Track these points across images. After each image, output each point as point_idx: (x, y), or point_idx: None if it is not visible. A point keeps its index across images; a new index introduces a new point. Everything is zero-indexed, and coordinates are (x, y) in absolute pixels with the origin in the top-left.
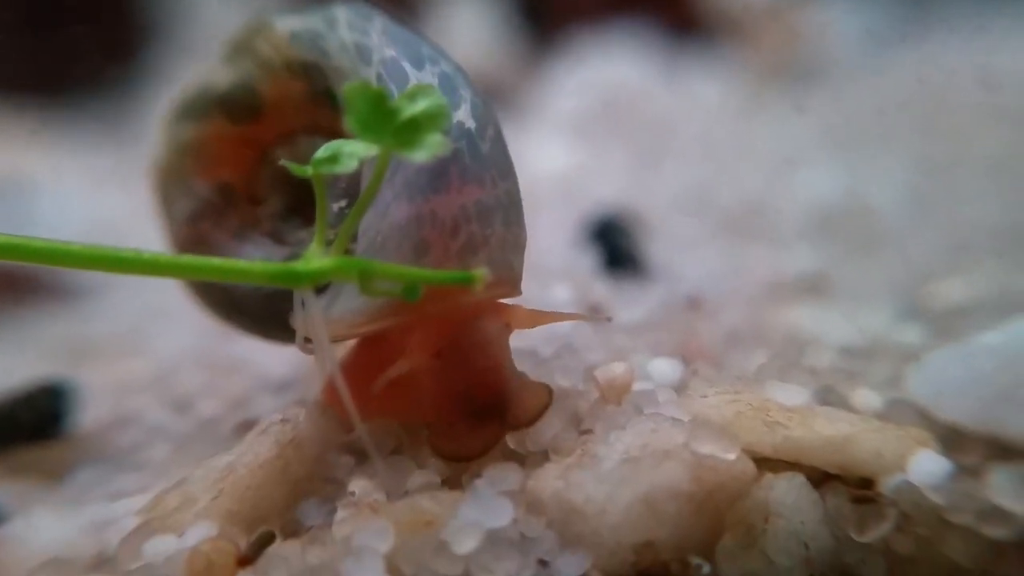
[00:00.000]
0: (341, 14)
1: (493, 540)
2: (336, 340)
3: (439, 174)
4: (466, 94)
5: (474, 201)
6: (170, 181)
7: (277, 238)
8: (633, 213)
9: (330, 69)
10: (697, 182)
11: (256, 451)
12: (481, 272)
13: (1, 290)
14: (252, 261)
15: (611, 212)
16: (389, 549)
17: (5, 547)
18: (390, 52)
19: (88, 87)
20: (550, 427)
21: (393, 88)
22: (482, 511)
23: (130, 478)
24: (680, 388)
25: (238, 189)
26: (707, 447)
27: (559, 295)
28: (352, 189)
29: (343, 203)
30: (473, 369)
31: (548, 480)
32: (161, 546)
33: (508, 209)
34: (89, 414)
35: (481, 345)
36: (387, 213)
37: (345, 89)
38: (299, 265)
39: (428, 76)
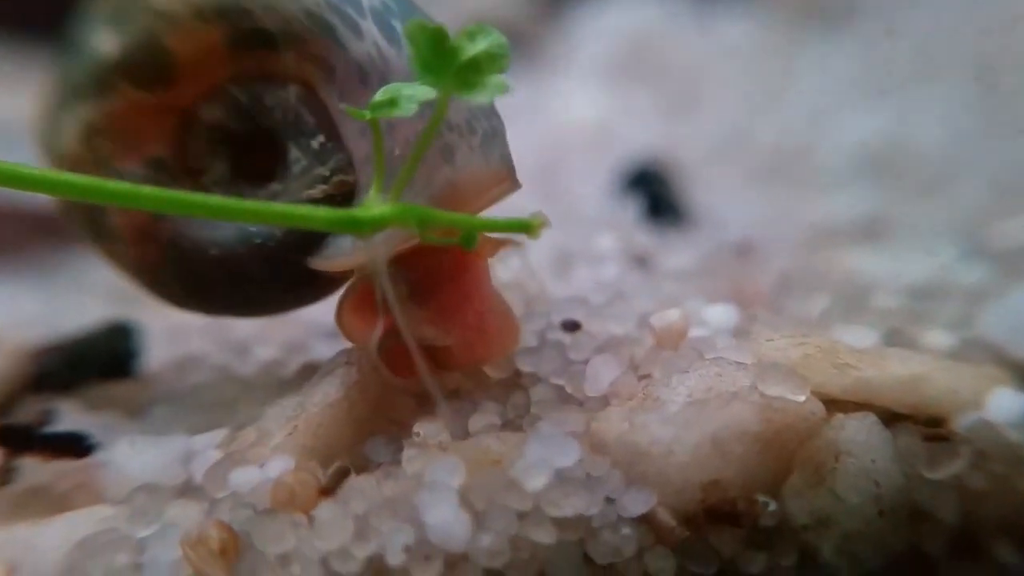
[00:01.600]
0: None
1: (561, 478)
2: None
3: None
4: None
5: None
6: (88, 171)
7: None
8: (670, 160)
9: (258, 6)
10: (733, 127)
11: (325, 391)
12: (540, 220)
13: (48, 234)
14: (314, 208)
15: (647, 160)
16: (460, 484)
17: (102, 472)
18: None
19: None
20: (608, 372)
21: (351, 12)
22: (549, 450)
23: (203, 415)
24: (738, 333)
25: (171, 162)
26: (776, 389)
27: (603, 244)
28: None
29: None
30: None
31: (612, 422)
32: (244, 476)
33: (492, 104)
34: (154, 355)
35: (423, 267)
36: (394, 129)
37: (406, 28)
38: (360, 212)
39: None
